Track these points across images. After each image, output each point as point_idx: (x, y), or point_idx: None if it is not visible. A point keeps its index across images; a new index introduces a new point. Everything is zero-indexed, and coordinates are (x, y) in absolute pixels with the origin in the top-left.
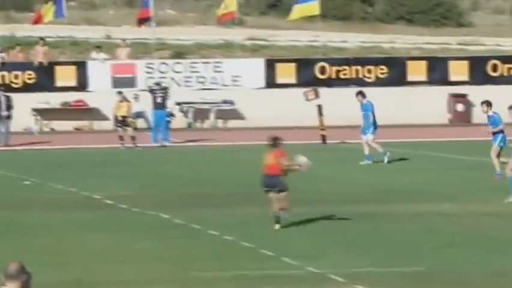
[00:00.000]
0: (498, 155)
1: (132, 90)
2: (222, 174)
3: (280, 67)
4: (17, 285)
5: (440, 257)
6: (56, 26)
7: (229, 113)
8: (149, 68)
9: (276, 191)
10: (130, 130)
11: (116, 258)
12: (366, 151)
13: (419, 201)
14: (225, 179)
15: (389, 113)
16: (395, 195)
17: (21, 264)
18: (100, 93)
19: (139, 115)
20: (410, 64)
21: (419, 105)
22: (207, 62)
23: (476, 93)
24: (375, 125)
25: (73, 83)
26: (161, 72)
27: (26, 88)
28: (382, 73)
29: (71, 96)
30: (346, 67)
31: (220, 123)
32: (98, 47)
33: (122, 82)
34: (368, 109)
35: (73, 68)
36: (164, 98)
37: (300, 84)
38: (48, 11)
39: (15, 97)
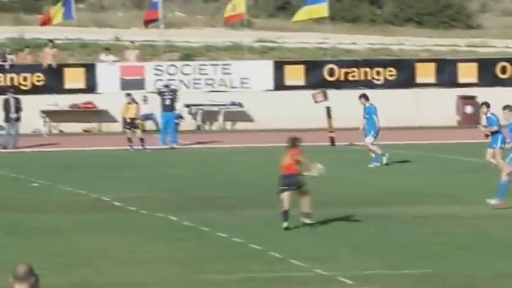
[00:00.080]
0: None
1: (141, 92)
2: (230, 176)
3: (288, 69)
4: (25, 287)
5: (449, 259)
6: (65, 28)
7: (238, 115)
8: (158, 70)
9: (294, 189)
10: (138, 132)
11: (125, 260)
12: (373, 154)
13: (427, 203)
14: (234, 181)
15: (398, 115)
16: (403, 197)
17: (29, 266)
18: (109, 95)
19: (148, 117)
20: (419, 66)
21: (427, 107)
22: (216, 64)
23: (485, 95)
24: (377, 128)
25: (81, 85)
26: (170, 74)
27: (35, 90)
28: (391, 75)
29: (80, 98)
30: (355, 69)
31: (228, 125)
32: (107, 49)
33: (130, 84)
34: (371, 112)
35: (81, 70)
36: (173, 100)
37: (308, 86)
38: (57, 13)
39: (24, 99)
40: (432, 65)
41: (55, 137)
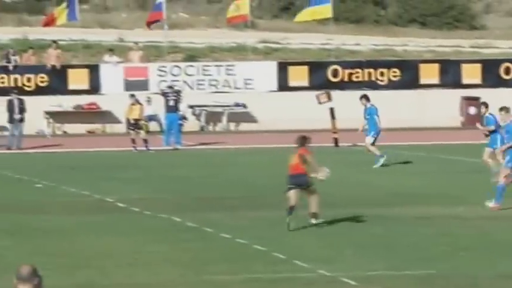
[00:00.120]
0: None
1: (144, 93)
2: (234, 177)
3: (292, 70)
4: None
5: (452, 260)
6: (69, 29)
7: (242, 116)
8: (162, 71)
9: (303, 188)
10: (142, 133)
11: (128, 261)
12: (378, 153)
13: (430, 204)
14: (237, 182)
15: (402, 116)
16: (406, 198)
17: (33, 267)
18: (113, 96)
19: (152, 118)
20: (423, 67)
21: (431, 108)
22: (220, 65)
23: (489, 96)
24: (377, 129)
25: (85, 86)
26: (174, 75)
27: (39, 91)
28: (395, 76)
29: (84, 99)
30: (359, 70)
31: (232, 126)
32: (111, 50)
33: (134, 85)
34: (372, 113)
35: (85, 71)
36: (176, 101)
37: (312, 87)
38: (61, 14)
39: (28, 100)
40: (436, 66)
41: (59, 138)
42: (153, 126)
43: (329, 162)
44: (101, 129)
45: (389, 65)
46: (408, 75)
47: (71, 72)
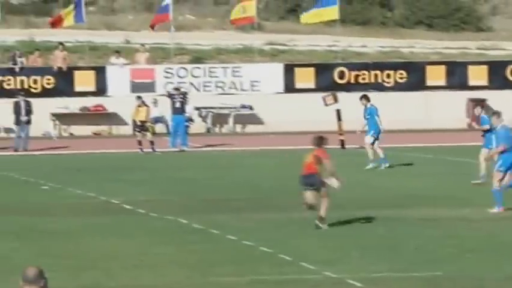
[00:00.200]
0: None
1: (151, 95)
2: (240, 179)
3: (299, 72)
4: None
5: (459, 262)
6: (75, 31)
7: (248, 117)
8: (168, 72)
9: (314, 189)
10: (148, 135)
11: (134, 263)
12: (382, 155)
13: (437, 206)
14: (244, 184)
15: (408, 118)
16: (413, 199)
17: (39, 268)
18: (119, 98)
19: (158, 120)
20: (429, 69)
21: (438, 110)
22: (226, 67)
23: (496, 98)
24: (377, 129)
25: (91, 87)
26: (180, 77)
27: (45, 93)
28: (401, 78)
29: (90, 101)
30: (365, 72)
31: (238, 128)
32: (118, 52)
33: (141, 87)
34: (373, 113)
35: (91, 72)
36: (183, 103)
37: (319, 89)
38: (68, 15)
39: (34, 102)
40: (443, 67)
41: (65, 139)
42: (160, 128)
43: (335, 164)
44: (108, 131)
45: (395, 66)
46: (414, 77)
47: (77, 74)
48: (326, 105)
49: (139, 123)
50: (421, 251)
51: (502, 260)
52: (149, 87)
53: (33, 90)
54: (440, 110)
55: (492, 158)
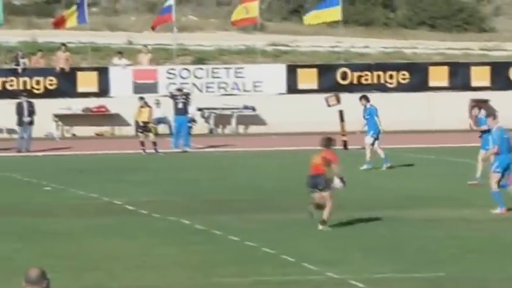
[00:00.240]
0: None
1: (153, 95)
2: (242, 180)
3: (301, 73)
4: None
5: (461, 263)
6: (78, 31)
7: (251, 118)
8: (171, 73)
9: (319, 189)
10: (151, 136)
11: (137, 263)
12: (382, 155)
13: (438, 207)
14: (246, 185)
15: (411, 119)
16: (414, 200)
17: (41, 269)
18: (122, 99)
19: (161, 121)
20: (432, 70)
21: (440, 111)
22: (229, 68)
23: (498, 99)
24: (377, 129)
25: (94, 88)
26: (183, 78)
27: (48, 94)
28: (404, 79)
29: (93, 102)
30: (368, 73)
31: (241, 128)
32: (120, 52)
33: (143, 88)
34: (372, 113)
35: (94, 73)
36: (185, 104)
37: (321, 89)
38: (71, 15)
39: (37, 103)
40: (446, 68)
41: (68, 140)
42: (162, 128)
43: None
44: (110, 132)
45: (398, 67)
46: (417, 77)
47: (80, 75)
48: (329, 106)
49: (141, 124)
50: (423, 251)
51: (504, 260)
52: (152, 88)
53: (35, 91)
54: (443, 111)
55: (488, 159)
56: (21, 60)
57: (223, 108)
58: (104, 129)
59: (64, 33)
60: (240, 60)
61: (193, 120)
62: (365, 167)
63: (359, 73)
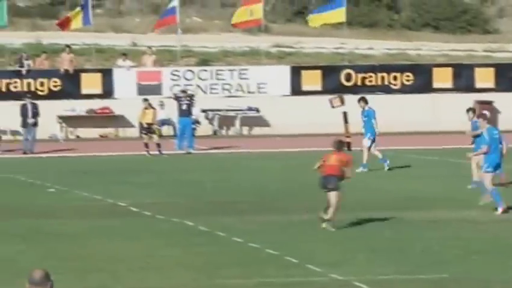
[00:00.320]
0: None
1: (158, 97)
2: (246, 182)
3: (306, 74)
4: None
5: (465, 264)
6: (82, 33)
7: (255, 120)
8: (175, 75)
9: (329, 189)
10: (155, 137)
11: (141, 265)
12: (380, 155)
13: (442, 208)
14: (250, 186)
15: (415, 120)
16: (418, 202)
17: (45, 271)
18: (126, 101)
19: (165, 122)
20: (436, 71)
21: (444, 112)
22: (233, 69)
23: (502, 100)
24: (374, 132)
25: (98, 90)
26: (187, 80)
27: (52, 95)
28: (408, 80)
29: (97, 104)
30: (372, 74)
31: (245, 130)
32: (124, 54)
33: (147, 89)
34: (370, 115)
35: (98, 75)
36: (189, 105)
37: (325, 91)
38: (76, 16)
39: (41, 104)
40: (449, 70)
41: (72, 142)
42: (166, 130)
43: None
44: (114, 134)
45: (402, 69)
46: (421, 79)
47: (84, 77)
48: (333, 107)
49: (145, 126)
50: (427, 253)
51: (508, 261)
52: (156, 90)
53: (40, 92)
54: (447, 112)
55: (475, 158)
56: (25, 62)
57: (227, 110)
58: (108, 130)
59: (68, 35)
60: (244, 62)
61: (197, 122)
62: (360, 169)
63: (363, 74)
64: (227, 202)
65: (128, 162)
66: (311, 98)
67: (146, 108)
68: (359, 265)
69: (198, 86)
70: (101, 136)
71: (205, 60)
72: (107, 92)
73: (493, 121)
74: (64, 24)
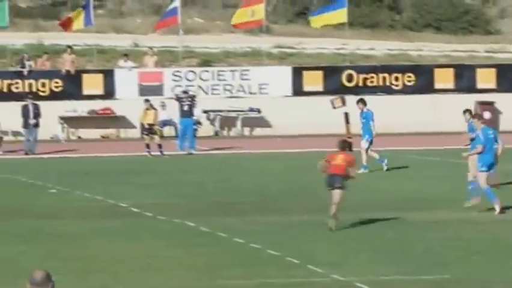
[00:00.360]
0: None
1: (159, 98)
2: (248, 182)
3: (307, 75)
4: None
5: (466, 265)
6: (84, 34)
7: (256, 121)
8: (177, 76)
9: (335, 187)
10: (156, 138)
11: (142, 266)
12: (377, 156)
13: (442, 209)
14: (251, 187)
15: (416, 121)
16: (419, 202)
17: (46, 272)
18: (127, 101)
19: (166, 123)
20: (438, 72)
21: (446, 113)
22: (234, 70)
23: (504, 101)
24: (371, 134)
25: (100, 91)
26: (189, 80)
27: (53, 96)
28: (409, 81)
29: (98, 104)
30: (373, 75)
31: (246, 131)
32: (126, 55)
33: (149, 90)
34: (368, 117)
35: (100, 76)
36: (191, 106)
37: (327, 92)
38: (77, 17)
39: (43, 105)
40: (451, 70)
41: (73, 143)
42: (168, 131)
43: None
44: (116, 134)
45: (403, 69)
46: (423, 80)
47: (85, 77)
48: (334, 108)
49: (147, 127)
50: (429, 253)
51: (508, 261)
52: (158, 91)
53: (41, 93)
54: (448, 113)
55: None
56: (27, 63)
57: (229, 111)
58: (110, 131)
59: (70, 36)
60: (245, 63)
61: (198, 123)
62: (362, 170)
63: (364, 75)
64: (228, 203)
65: (129, 163)
66: (313, 98)
67: (147, 109)
68: (361, 266)
69: (200, 87)
70: (103, 137)
71: (206, 61)
72: (109, 93)
73: (494, 122)
74: (66, 25)
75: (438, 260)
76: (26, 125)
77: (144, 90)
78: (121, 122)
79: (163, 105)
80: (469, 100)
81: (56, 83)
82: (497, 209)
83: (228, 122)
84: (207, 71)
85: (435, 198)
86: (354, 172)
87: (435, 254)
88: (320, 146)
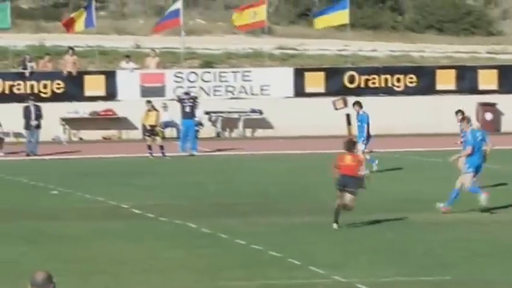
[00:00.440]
0: None
1: (161, 99)
2: (249, 184)
3: (309, 76)
4: None
5: (467, 266)
6: (85, 35)
7: (258, 122)
8: (178, 77)
9: (347, 189)
10: (158, 139)
11: (144, 267)
12: (368, 157)
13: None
14: (253, 188)
15: (418, 122)
16: (420, 203)
17: (48, 273)
18: (129, 103)
19: (168, 124)
20: (439, 73)
21: (448, 114)
22: (236, 71)
23: (506, 102)
24: (368, 136)
25: (101, 92)
26: (190, 82)
27: (55, 97)
28: (411, 82)
29: (100, 106)
30: (375, 76)
31: (248, 132)
32: (128, 56)
33: (151, 91)
34: (363, 120)
35: (101, 77)
36: (192, 107)
37: (329, 93)
38: (79, 17)
39: (44, 106)
40: (453, 71)
41: (75, 144)
42: (169, 132)
43: None
44: (117, 136)
45: (405, 71)
46: (424, 81)
47: (87, 79)
48: (336, 109)
49: (148, 128)
50: (429, 255)
51: (510, 263)
52: (159, 92)
53: (43, 94)
54: (451, 114)
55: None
56: (28, 64)
57: (231, 112)
58: (112, 132)
59: (72, 37)
60: (247, 64)
61: (200, 124)
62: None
63: (366, 76)
64: (230, 204)
65: (131, 164)
66: (314, 100)
67: (149, 110)
68: (361, 267)
69: (201, 88)
70: (105, 138)
71: (208, 62)
72: (111, 94)
73: (496, 123)
74: (69, 25)
75: (439, 261)
76: (27, 126)
77: (146, 92)
78: (122, 123)
79: (165, 107)
80: (471, 101)
81: (58, 84)
82: (483, 201)
83: (229, 123)
84: (208, 72)
85: (436, 199)
86: (363, 170)
87: (436, 255)
88: (321, 147)
